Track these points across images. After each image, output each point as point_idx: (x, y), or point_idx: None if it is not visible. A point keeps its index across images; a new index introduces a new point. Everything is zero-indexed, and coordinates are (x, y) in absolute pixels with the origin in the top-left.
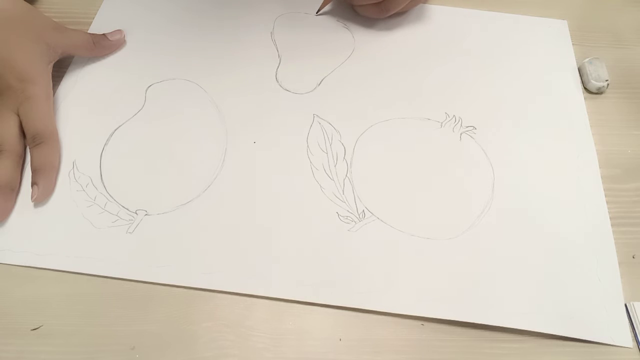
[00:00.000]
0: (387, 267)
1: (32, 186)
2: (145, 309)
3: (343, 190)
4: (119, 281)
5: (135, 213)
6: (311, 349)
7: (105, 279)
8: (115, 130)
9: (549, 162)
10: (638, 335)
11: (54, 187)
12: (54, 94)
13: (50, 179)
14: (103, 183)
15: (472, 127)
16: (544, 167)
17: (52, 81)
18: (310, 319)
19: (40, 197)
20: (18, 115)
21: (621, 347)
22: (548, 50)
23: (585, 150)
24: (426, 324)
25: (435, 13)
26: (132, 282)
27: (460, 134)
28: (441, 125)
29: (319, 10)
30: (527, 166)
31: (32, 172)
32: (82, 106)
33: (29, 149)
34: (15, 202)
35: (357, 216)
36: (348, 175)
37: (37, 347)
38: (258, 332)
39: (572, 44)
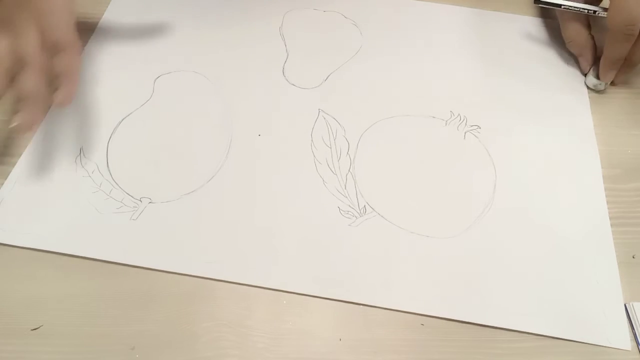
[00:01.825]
0: (386, 263)
1: (55, 91)
2: (145, 309)
3: (345, 185)
4: (119, 281)
5: (140, 200)
6: (311, 349)
7: (105, 280)
8: (124, 119)
9: (552, 163)
10: (638, 336)
11: (76, 91)
12: None
13: (73, 81)
14: (109, 170)
15: (476, 127)
16: (547, 168)
17: None
18: (310, 319)
19: (65, 100)
20: (38, 28)
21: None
22: (554, 52)
23: (589, 154)
24: (426, 324)
25: (443, 12)
26: (132, 282)
27: (465, 133)
28: (446, 124)
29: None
30: (530, 167)
31: (54, 79)
32: (91, 94)
33: (51, 57)
34: (45, 113)
35: (358, 211)
36: (351, 170)
37: (37, 347)
38: (258, 332)
39: None
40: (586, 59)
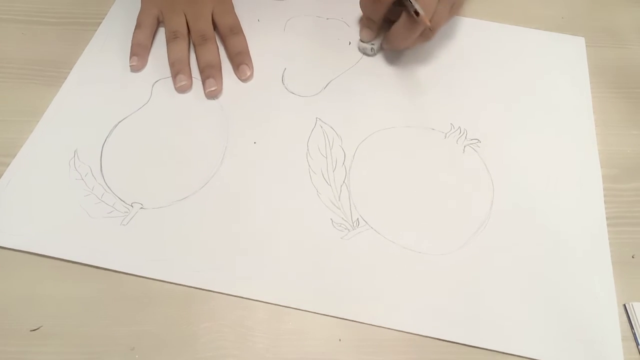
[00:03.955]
0: (377, 279)
1: (240, 65)
2: (145, 310)
3: (339, 197)
4: (119, 281)
5: (131, 206)
6: (311, 349)
7: (104, 280)
8: (119, 122)
9: (551, 184)
10: (637, 337)
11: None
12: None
13: (251, 60)
14: (102, 174)
15: (476, 140)
16: (546, 190)
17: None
18: (310, 319)
19: (252, 75)
20: (212, 14)
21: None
22: (563, 68)
23: (590, 174)
24: None
25: (446, 24)
26: (132, 283)
27: (464, 147)
28: (445, 136)
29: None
30: (528, 186)
31: (235, 56)
32: (89, 97)
33: (227, 38)
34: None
35: (351, 224)
36: (346, 181)
37: (36, 347)
38: (258, 332)
39: None
40: (372, 23)
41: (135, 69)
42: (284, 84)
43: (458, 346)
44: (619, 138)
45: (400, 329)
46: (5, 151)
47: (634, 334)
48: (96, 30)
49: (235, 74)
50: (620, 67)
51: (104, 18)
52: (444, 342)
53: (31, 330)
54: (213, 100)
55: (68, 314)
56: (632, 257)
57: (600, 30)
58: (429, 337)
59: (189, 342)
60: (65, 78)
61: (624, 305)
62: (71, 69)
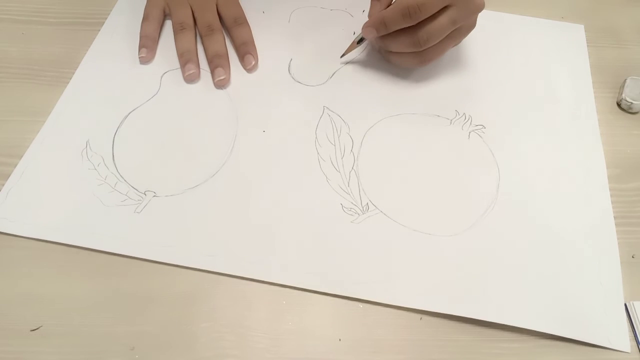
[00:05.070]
0: (388, 260)
1: (245, 55)
2: (145, 309)
3: (348, 183)
4: (119, 281)
5: (144, 194)
6: (311, 349)
7: (104, 280)
8: (130, 113)
9: (556, 165)
10: (638, 335)
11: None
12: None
13: (256, 49)
14: (114, 163)
15: (481, 126)
16: (551, 170)
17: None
18: (310, 319)
19: (256, 64)
20: (216, 5)
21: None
22: (563, 54)
23: (593, 156)
24: (425, 321)
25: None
26: (132, 283)
27: (469, 133)
28: (450, 123)
29: (343, 55)
30: (533, 168)
31: (240, 46)
32: (99, 88)
33: (232, 28)
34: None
35: (361, 209)
36: (354, 167)
37: (36, 347)
38: (258, 332)
39: None
40: None
41: (144, 60)
42: (290, 73)
43: (458, 346)
44: (620, 138)
45: (411, 307)
46: (6, 151)
47: (635, 333)
48: (97, 30)
49: (241, 64)
50: (620, 67)
51: (105, 17)
52: (444, 342)
53: (31, 330)
54: (221, 91)
55: (68, 314)
56: (633, 257)
57: (600, 30)
58: (439, 313)
59: (189, 342)
60: (66, 78)
61: (625, 304)
62: (71, 69)
